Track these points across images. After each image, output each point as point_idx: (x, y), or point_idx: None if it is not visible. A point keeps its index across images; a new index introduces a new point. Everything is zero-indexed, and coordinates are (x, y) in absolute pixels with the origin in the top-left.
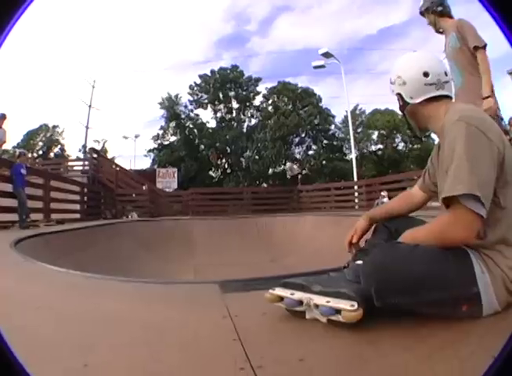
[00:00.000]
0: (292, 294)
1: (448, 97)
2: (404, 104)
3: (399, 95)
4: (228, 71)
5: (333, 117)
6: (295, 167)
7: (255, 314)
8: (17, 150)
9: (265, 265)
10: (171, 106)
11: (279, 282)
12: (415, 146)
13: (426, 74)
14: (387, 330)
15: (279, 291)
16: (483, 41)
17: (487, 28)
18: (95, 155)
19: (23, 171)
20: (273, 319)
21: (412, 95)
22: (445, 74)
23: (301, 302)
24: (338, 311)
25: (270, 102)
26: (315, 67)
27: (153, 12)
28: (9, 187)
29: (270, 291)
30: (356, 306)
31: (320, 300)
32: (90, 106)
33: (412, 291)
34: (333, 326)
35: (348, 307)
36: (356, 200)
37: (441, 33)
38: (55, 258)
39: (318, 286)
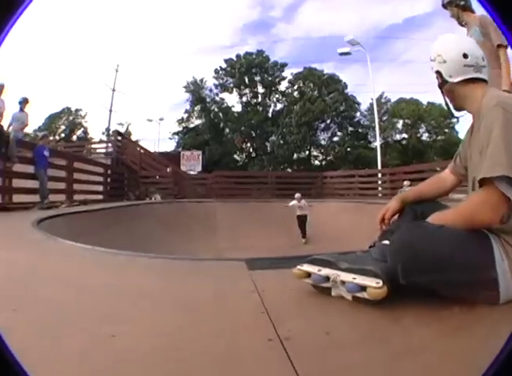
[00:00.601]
0: (319, 270)
1: (484, 81)
2: (443, 82)
3: (438, 73)
4: (254, 56)
5: (359, 104)
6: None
7: (281, 290)
8: (40, 133)
9: (288, 249)
10: (196, 89)
11: (303, 261)
12: (439, 138)
13: (465, 56)
14: (409, 308)
15: (307, 267)
16: (505, 40)
17: None
18: (119, 137)
19: (46, 153)
20: (299, 295)
21: (451, 74)
22: (482, 58)
23: (327, 279)
24: (364, 288)
25: (296, 87)
26: (341, 54)
27: None
28: (30, 169)
29: (298, 266)
30: (381, 284)
31: (346, 277)
32: (113, 89)
33: (436, 271)
34: (358, 303)
35: (374, 284)
36: (380, 189)
37: (463, 26)
38: (76, 237)
39: (345, 263)
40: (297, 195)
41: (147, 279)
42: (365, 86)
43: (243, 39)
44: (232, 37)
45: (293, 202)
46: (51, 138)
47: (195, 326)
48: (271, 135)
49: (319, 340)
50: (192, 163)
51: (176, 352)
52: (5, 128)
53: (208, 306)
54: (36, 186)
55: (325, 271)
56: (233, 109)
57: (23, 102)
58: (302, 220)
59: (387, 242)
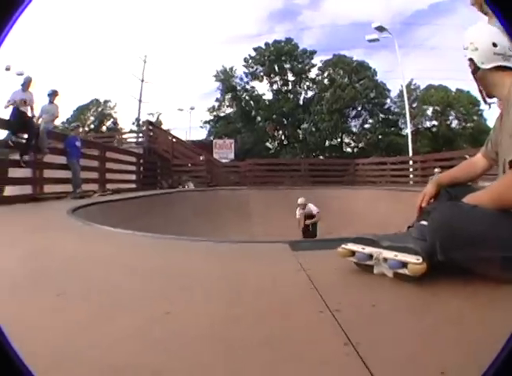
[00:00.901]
0: (363, 248)
1: None
2: (475, 69)
3: (471, 61)
4: (283, 44)
5: (389, 91)
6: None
7: (326, 268)
8: (70, 125)
9: (323, 235)
10: (226, 78)
11: (348, 240)
12: (468, 125)
13: (495, 45)
14: (446, 284)
15: (352, 246)
16: None
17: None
18: (150, 127)
19: (78, 143)
20: (344, 273)
21: (483, 61)
22: (509, 49)
23: (370, 256)
24: (405, 264)
25: (326, 74)
26: (370, 41)
27: None
28: (63, 159)
29: (343, 245)
30: (421, 260)
31: (389, 254)
32: (142, 80)
33: (470, 248)
34: (399, 280)
35: (414, 260)
36: (411, 176)
37: (485, 14)
38: (111, 225)
39: (386, 241)
40: (301, 200)
41: (194, 261)
42: (394, 73)
43: (270, 27)
44: (259, 25)
45: (299, 211)
46: (80, 129)
47: (247, 302)
48: (302, 123)
49: (367, 312)
50: (224, 151)
51: (233, 325)
52: (35, 121)
53: (258, 284)
54: (68, 176)
55: (368, 249)
56: (264, 97)
57: (52, 94)
58: (309, 230)
59: (425, 223)
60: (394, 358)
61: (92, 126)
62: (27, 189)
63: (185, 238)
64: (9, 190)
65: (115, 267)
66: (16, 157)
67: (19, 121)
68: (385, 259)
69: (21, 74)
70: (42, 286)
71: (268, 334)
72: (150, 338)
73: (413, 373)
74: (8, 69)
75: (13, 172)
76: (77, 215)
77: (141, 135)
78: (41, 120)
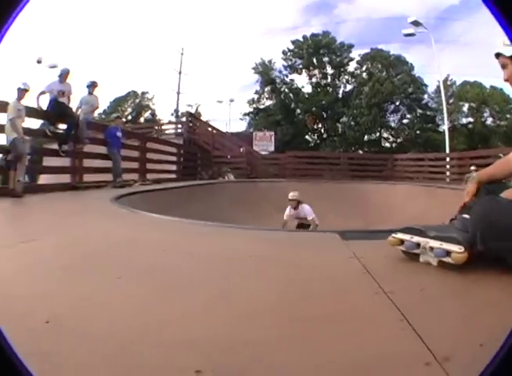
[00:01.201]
0: (411, 237)
1: None
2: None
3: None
4: (320, 37)
5: (426, 86)
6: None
7: (376, 256)
8: (112, 115)
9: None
10: (265, 71)
11: (389, 234)
12: (502, 123)
13: None
14: (485, 272)
15: (401, 235)
16: None
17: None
18: (190, 118)
19: (119, 133)
20: (393, 261)
21: None
22: None
23: (418, 245)
24: (448, 253)
25: (364, 68)
26: (406, 35)
27: None
28: (103, 149)
29: (393, 234)
30: (463, 249)
31: (435, 243)
32: (180, 72)
33: (507, 239)
34: (443, 267)
35: (457, 249)
36: (448, 173)
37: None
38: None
39: (433, 231)
40: (293, 195)
41: (243, 246)
42: (430, 68)
43: (306, 20)
44: (295, 18)
45: (289, 212)
46: (120, 120)
47: (305, 285)
48: (342, 117)
49: (416, 294)
50: (264, 143)
51: (296, 304)
52: (75, 111)
53: (314, 269)
54: (108, 166)
55: (416, 238)
56: (303, 90)
57: (91, 85)
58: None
59: (466, 216)
60: (441, 332)
61: (130, 117)
62: (61, 178)
63: (233, 225)
64: (43, 179)
65: (170, 252)
66: (52, 146)
67: (58, 111)
68: (431, 248)
69: (54, 67)
70: (102, 269)
71: (331, 311)
72: (217, 314)
73: (458, 344)
74: (39, 62)
75: (47, 161)
76: (120, 202)
77: (180, 126)
78: (80, 110)
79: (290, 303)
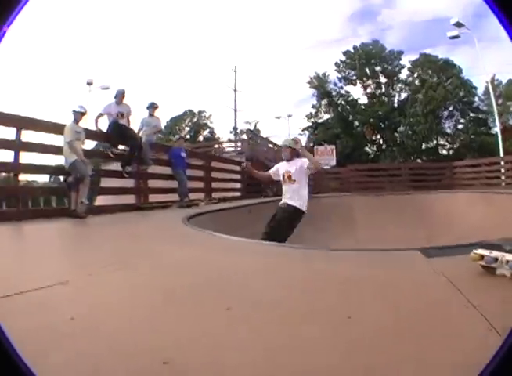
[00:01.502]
0: (490, 252)
1: None
2: None
3: None
4: (370, 46)
5: (476, 88)
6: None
7: (459, 271)
8: (176, 135)
9: (431, 240)
10: (320, 84)
11: (467, 249)
12: None
13: None
14: None
15: (482, 251)
16: None
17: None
18: (250, 135)
19: (183, 154)
20: (473, 274)
21: None
22: None
23: (495, 259)
24: None
25: (416, 75)
26: (451, 38)
27: None
28: (167, 169)
29: (474, 251)
30: None
31: (510, 256)
32: (235, 90)
33: None
34: None
35: None
36: (503, 178)
37: None
38: (226, 233)
39: (509, 245)
40: (285, 140)
41: (338, 270)
42: (475, 69)
43: (353, 30)
44: (342, 29)
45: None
46: (183, 140)
47: (398, 301)
48: (399, 126)
49: (499, 306)
50: (326, 157)
51: (394, 318)
52: (137, 133)
53: (404, 286)
54: (173, 186)
55: (494, 253)
56: (359, 101)
57: (151, 107)
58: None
59: None
60: None
61: (188, 136)
62: (121, 199)
63: (317, 247)
64: (101, 200)
65: (268, 279)
66: (111, 167)
67: (119, 133)
68: (507, 261)
69: (106, 88)
70: (207, 300)
71: (425, 322)
72: (338, 343)
73: None
74: (90, 83)
75: (105, 182)
76: (193, 223)
77: (240, 144)
78: (142, 132)
79: (391, 318)
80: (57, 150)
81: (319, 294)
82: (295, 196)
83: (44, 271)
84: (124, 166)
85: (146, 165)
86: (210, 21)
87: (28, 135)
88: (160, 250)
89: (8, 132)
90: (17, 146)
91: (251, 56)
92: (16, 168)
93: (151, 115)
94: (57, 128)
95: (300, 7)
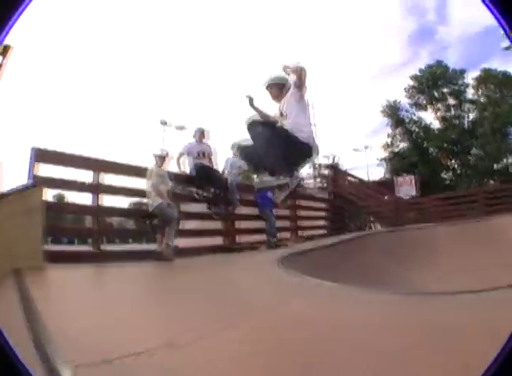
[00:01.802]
0: None
1: None
2: None
3: None
4: (434, 68)
5: None
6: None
7: None
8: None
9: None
10: (393, 112)
11: None
12: None
13: None
14: None
15: None
16: None
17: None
18: (332, 170)
19: (270, 194)
20: None
21: None
22: None
23: None
24: None
25: (480, 92)
26: (506, 49)
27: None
28: (255, 210)
29: None
30: None
31: None
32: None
33: None
34: None
35: None
36: None
37: None
38: (322, 275)
39: None
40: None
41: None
42: None
43: (415, 52)
44: (403, 52)
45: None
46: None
47: None
48: (471, 148)
49: None
50: (406, 188)
51: None
52: (222, 174)
53: None
54: (261, 227)
55: None
56: (432, 126)
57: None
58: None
59: None
60: None
61: None
62: (205, 241)
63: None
64: (185, 242)
65: (392, 334)
66: (190, 208)
67: (204, 175)
68: None
69: (182, 128)
70: (352, 367)
71: None
72: None
73: None
74: (164, 123)
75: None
76: (286, 266)
77: (319, 179)
78: (227, 172)
79: None
80: (136, 193)
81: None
82: None
83: (141, 328)
84: (211, 207)
85: (233, 206)
86: (275, 55)
87: (108, 178)
88: (260, 302)
89: (88, 176)
90: (97, 188)
91: (319, 90)
92: (97, 210)
93: (236, 155)
94: (137, 171)
95: (359, 36)
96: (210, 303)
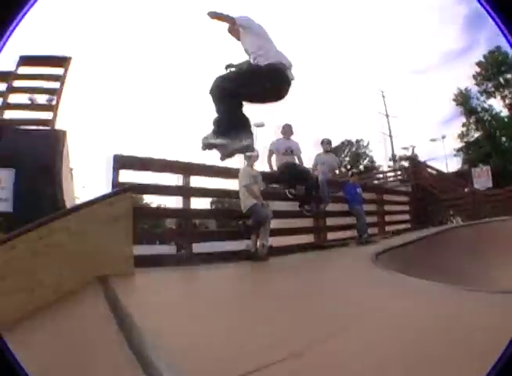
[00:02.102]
0: None
1: None
2: None
3: None
4: (496, 53)
5: None
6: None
7: None
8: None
9: None
10: (465, 100)
11: None
12: None
13: None
14: None
15: None
16: None
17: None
18: (413, 162)
19: (359, 189)
20: None
21: None
22: None
23: None
24: None
25: None
26: None
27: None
28: (344, 206)
29: None
30: None
31: None
32: (387, 115)
33: None
34: None
35: None
36: None
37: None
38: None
39: None
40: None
41: None
42: None
43: (473, 38)
44: (461, 38)
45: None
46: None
47: None
48: None
49: None
50: (483, 179)
51: None
52: (311, 171)
53: None
54: (349, 223)
55: None
56: (501, 114)
57: (326, 143)
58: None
59: None
60: None
61: (349, 167)
62: (295, 239)
63: None
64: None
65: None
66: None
67: (293, 173)
68: None
69: (261, 126)
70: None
71: None
72: None
73: None
74: None
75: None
76: (381, 262)
77: (399, 172)
78: (317, 169)
79: None
80: (225, 194)
81: None
82: None
83: (253, 336)
84: (303, 205)
85: (323, 203)
86: (351, 49)
87: (196, 181)
88: (367, 303)
89: (175, 179)
90: (187, 191)
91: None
92: (188, 213)
93: (326, 151)
94: (224, 172)
95: (417, 24)
96: (316, 305)
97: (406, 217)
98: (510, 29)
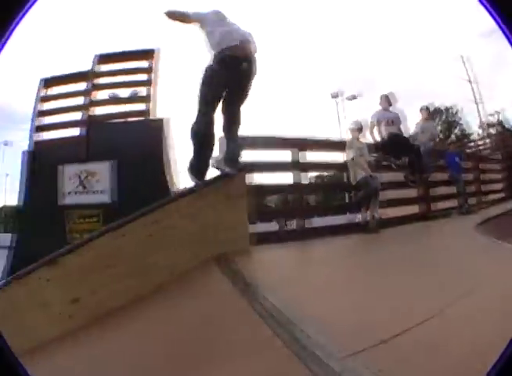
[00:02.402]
0: None
1: None
2: None
3: None
4: None
5: None
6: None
7: None
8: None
9: None
10: None
11: None
12: None
13: None
14: None
15: None
16: None
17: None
18: (503, 129)
19: (457, 158)
20: None
21: None
22: None
23: None
24: None
25: None
26: None
27: None
28: (445, 176)
29: None
30: None
31: None
32: (470, 81)
33: None
34: None
35: None
36: None
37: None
38: None
39: None
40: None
41: None
42: None
43: None
44: None
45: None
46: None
47: None
48: None
49: None
50: None
51: None
52: (412, 140)
53: None
54: (449, 192)
55: None
56: None
57: (424, 110)
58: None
59: None
60: None
61: (442, 136)
62: (399, 211)
63: None
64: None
65: None
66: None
67: (395, 144)
68: None
69: (354, 98)
70: None
71: None
72: None
73: None
74: (335, 96)
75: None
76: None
77: (488, 140)
78: (418, 138)
79: None
80: (335, 168)
81: None
82: None
83: (388, 305)
84: (407, 176)
85: (426, 173)
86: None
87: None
88: (484, 270)
89: (285, 155)
90: (299, 166)
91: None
92: (300, 188)
93: (426, 119)
94: (334, 145)
95: None
96: (436, 272)
97: (500, 186)
98: (511, 29)
